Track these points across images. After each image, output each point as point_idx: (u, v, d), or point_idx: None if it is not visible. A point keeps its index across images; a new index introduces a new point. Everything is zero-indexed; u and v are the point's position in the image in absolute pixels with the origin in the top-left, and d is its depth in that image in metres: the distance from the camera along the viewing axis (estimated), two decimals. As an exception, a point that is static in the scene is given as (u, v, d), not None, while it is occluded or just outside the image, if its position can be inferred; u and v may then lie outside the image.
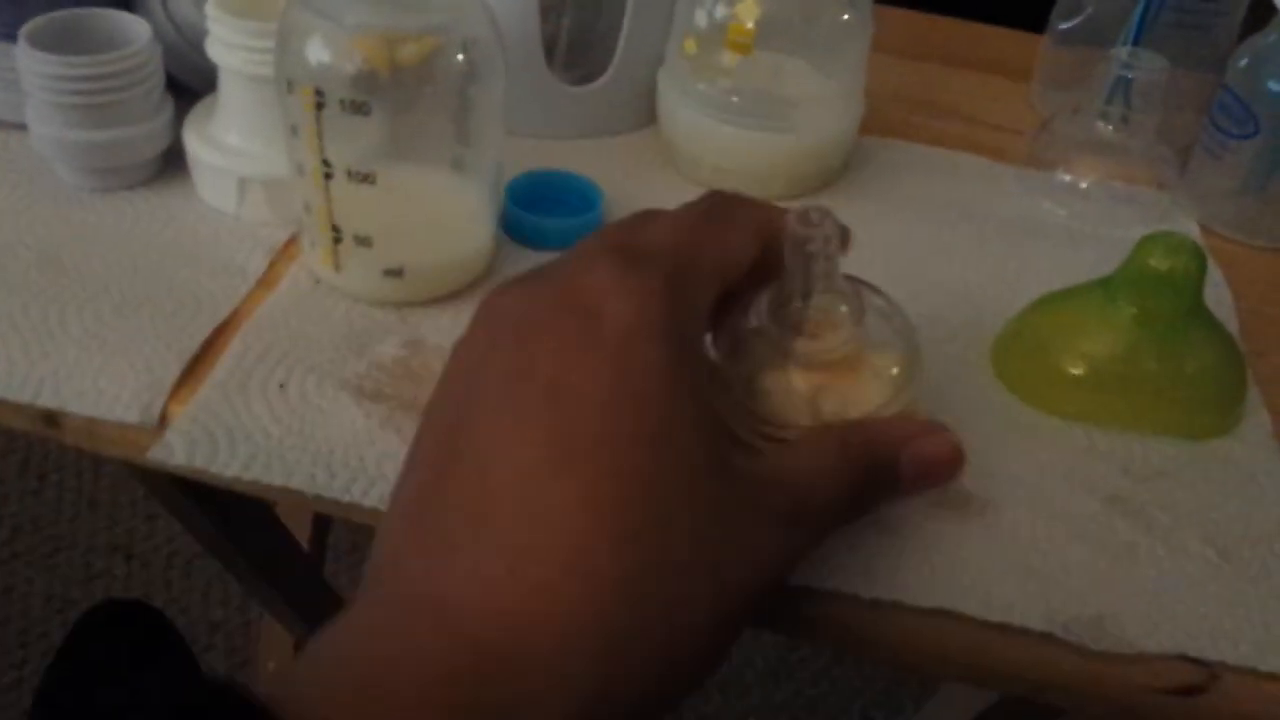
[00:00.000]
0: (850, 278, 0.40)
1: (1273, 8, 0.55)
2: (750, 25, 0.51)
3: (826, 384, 0.38)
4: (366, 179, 0.43)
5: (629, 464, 0.29)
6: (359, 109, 0.41)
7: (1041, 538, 0.39)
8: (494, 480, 0.29)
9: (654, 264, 0.33)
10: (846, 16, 0.53)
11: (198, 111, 0.52)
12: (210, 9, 0.47)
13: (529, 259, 0.50)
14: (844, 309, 0.38)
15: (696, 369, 0.32)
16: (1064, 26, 0.65)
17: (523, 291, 0.33)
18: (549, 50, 0.57)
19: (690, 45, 0.54)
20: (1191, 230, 0.58)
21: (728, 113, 0.53)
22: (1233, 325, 0.51)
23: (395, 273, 0.45)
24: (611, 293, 0.31)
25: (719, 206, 0.36)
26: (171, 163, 0.52)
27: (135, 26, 0.50)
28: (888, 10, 0.72)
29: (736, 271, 0.36)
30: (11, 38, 0.50)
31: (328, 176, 0.44)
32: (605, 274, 0.32)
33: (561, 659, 0.27)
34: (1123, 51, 0.57)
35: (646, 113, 0.59)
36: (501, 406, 0.30)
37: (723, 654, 0.31)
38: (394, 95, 0.43)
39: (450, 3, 0.42)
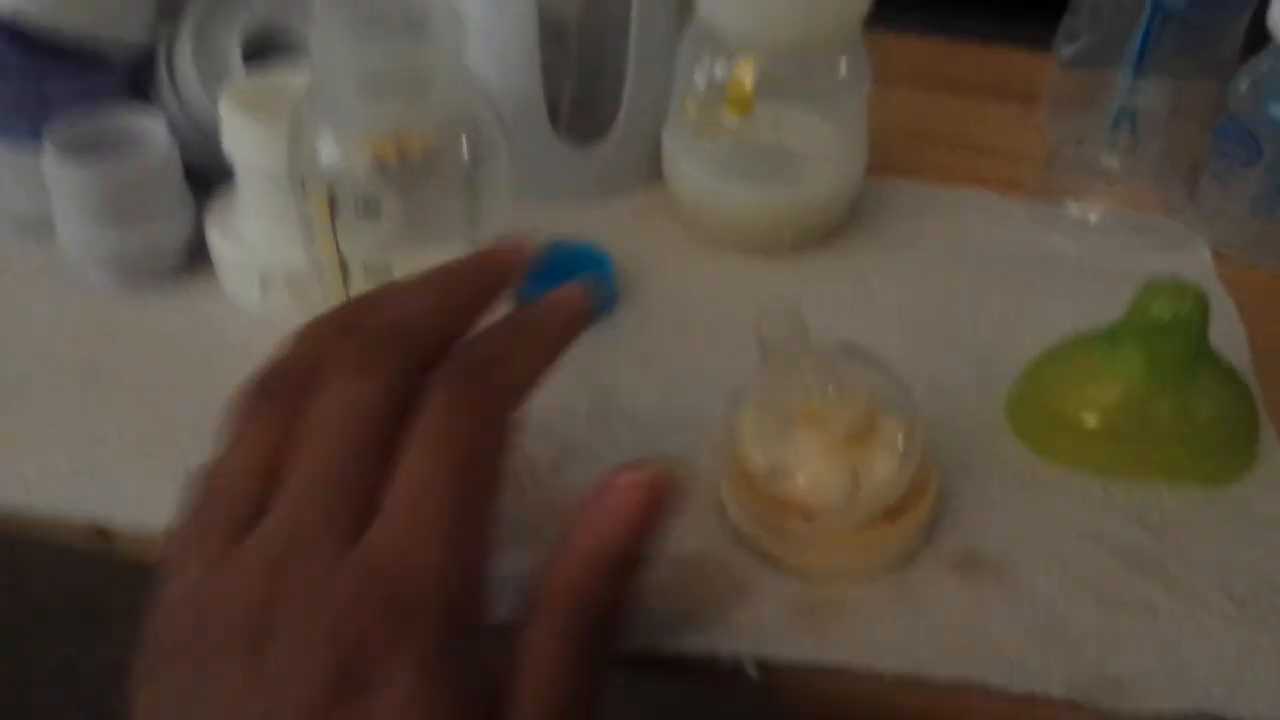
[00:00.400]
0: (846, 344, 0.41)
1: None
2: (749, 86, 0.52)
3: (838, 463, 0.39)
4: (383, 270, 0.45)
5: None
6: (370, 207, 0.43)
7: (1059, 598, 0.40)
8: None
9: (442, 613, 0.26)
10: (843, 69, 0.54)
11: (218, 203, 0.53)
12: (223, 107, 0.49)
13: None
14: (834, 388, 0.39)
15: None
16: (1067, 51, 0.65)
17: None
18: (553, 113, 0.58)
19: (691, 106, 0.55)
20: (1203, 256, 0.58)
21: (731, 170, 0.54)
22: (1245, 355, 0.51)
23: (415, 359, 0.46)
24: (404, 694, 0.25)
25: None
26: (198, 254, 0.54)
27: (152, 125, 0.52)
28: (887, 38, 0.72)
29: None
30: (35, 141, 0.52)
31: (345, 272, 0.45)
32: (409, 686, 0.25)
33: None
34: (1125, 81, 0.57)
35: (652, 169, 0.60)
36: None
37: None
38: (403, 186, 0.44)
39: (453, 96, 0.43)
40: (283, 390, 0.29)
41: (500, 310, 0.34)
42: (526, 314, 0.34)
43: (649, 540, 0.30)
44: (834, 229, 0.58)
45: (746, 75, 0.52)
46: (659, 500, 0.30)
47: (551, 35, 0.57)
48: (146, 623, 0.27)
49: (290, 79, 0.52)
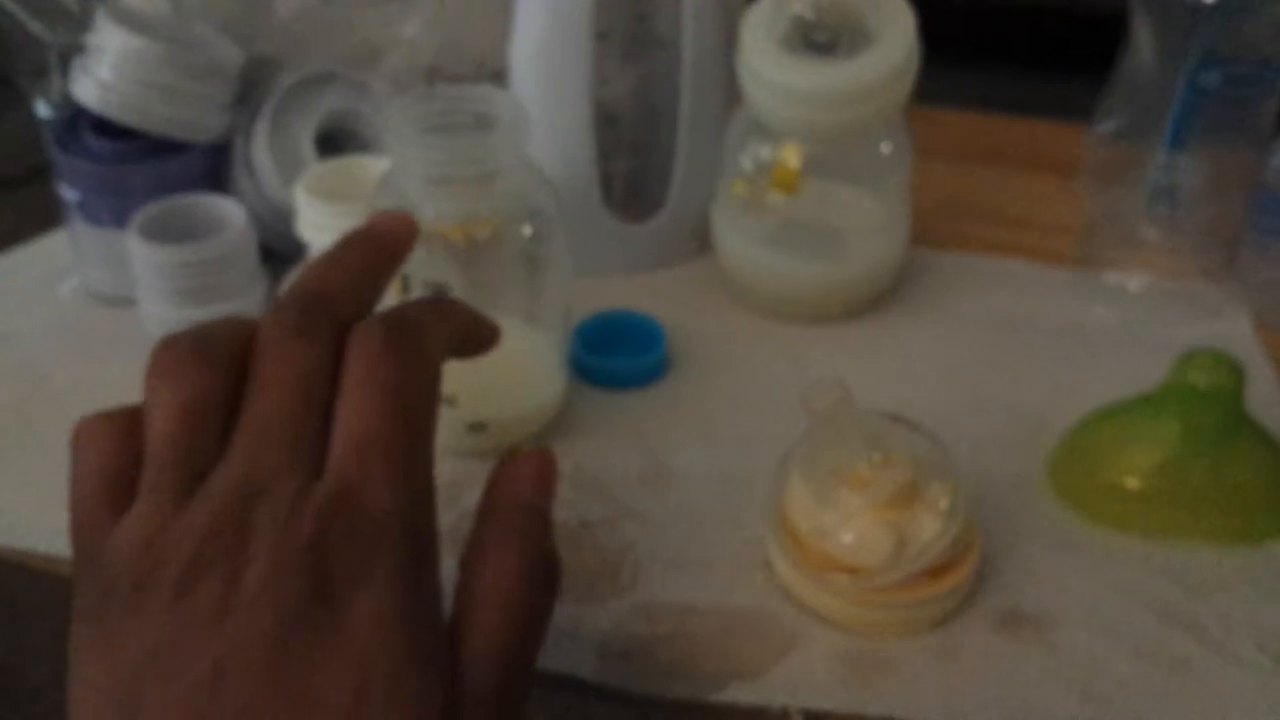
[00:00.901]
0: (891, 414, 0.43)
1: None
2: (794, 166, 0.54)
3: (883, 524, 0.40)
4: (448, 344, 0.47)
5: None
6: (439, 290, 0.45)
7: (1099, 656, 0.41)
8: None
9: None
10: (886, 148, 0.56)
11: (290, 281, 0.56)
12: (299, 193, 0.52)
13: (599, 398, 0.53)
14: (879, 454, 0.41)
15: None
16: (1104, 126, 0.67)
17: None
18: (607, 191, 0.61)
19: (739, 187, 0.57)
20: (1243, 324, 0.59)
21: (779, 247, 0.56)
22: (1284, 422, 0.52)
23: (479, 427, 0.49)
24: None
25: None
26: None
27: (231, 209, 0.55)
28: (929, 112, 0.75)
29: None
30: (118, 224, 0.55)
31: (412, 346, 0.48)
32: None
33: None
34: (1161, 158, 0.59)
35: (702, 243, 0.62)
36: None
37: None
38: (469, 266, 0.47)
39: (516, 186, 0.46)
40: (217, 352, 0.31)
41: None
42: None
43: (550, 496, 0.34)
44: (878, 300, 0.60)
45: (792, 158, 0.55)
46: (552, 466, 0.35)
47: (605, 120, 0.60)
48: (87, 569, 0.28)
49: (360, 166, 0.55)
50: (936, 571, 0.41)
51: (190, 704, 0.25)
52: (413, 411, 0.30)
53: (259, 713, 0.25)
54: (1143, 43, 0.64)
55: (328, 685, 0.26)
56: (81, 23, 0.57)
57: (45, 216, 0.63)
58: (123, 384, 0.54)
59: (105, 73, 0.55)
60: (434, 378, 0.32)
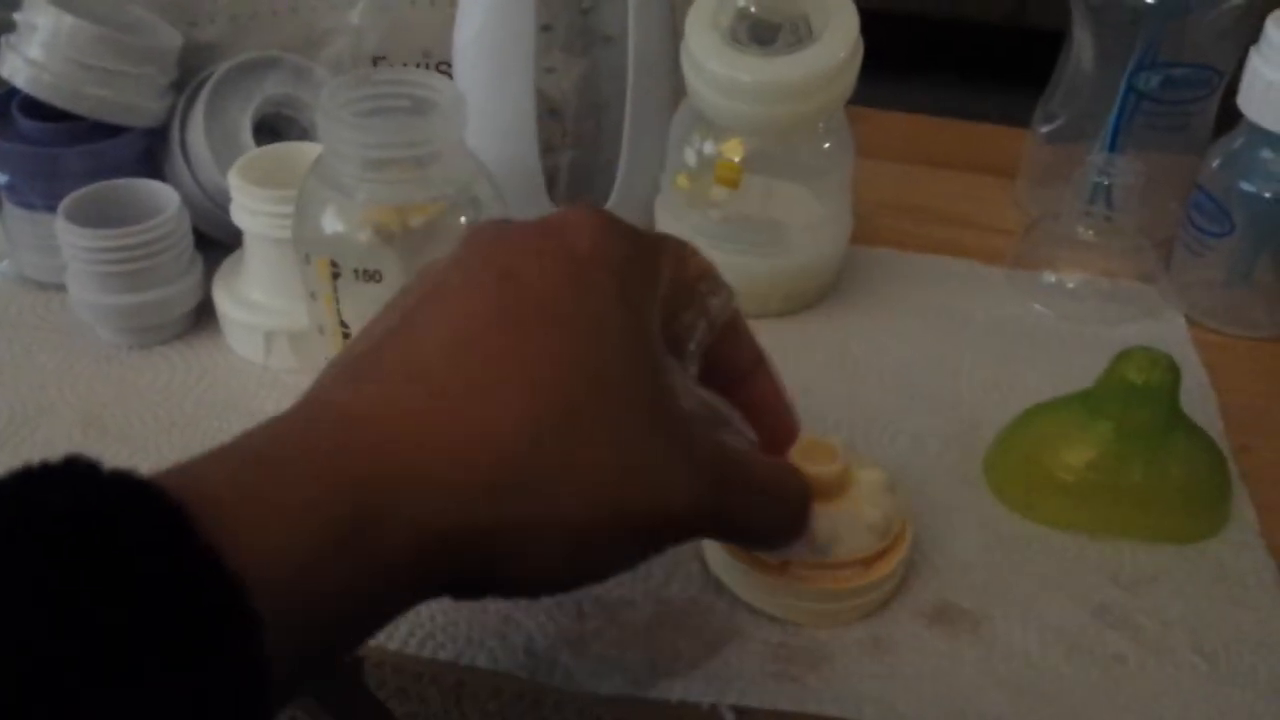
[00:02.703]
0: None
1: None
2: (737, 161, 0.54)
3: (818, 510, 0.40)
4: (382, 333, 0.47)
5: (561, 350, 0.31)
6: (372, 277, 0.44)
7: (1033, 651, 0.41)
8: (431, 335, 0.31)
9: (634, 235, 0.35)
10: (828, 145, 0.56)
11: (225, 268, 0.55)
12: (233, 178, 0.51)
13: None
14: (809, 442, 0.41)
15: (648, 332, 0.34)
16: (1044, 128, 0.68)
17: (508, 221, 0.35)
18: (550, 183, 0.60)
19: (682, 180, 0.57)
20: (1177, 323, 0.60)
21: (721, 240, 0.56)
22: (1216, 420, 0.53)
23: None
24: (589, 230, 0.34)
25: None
26: (204, 314, 0.56)
27: (164, 194, 0.54)
28: (873, 114, 0.75)
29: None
30: (50, 208, 0.54)
31: (346, 336, 0.47)
32: (589, 218, 0.34)
33: (449, 479, 0.29)
34: (1099, 158, 0.59)
35: (647, 237, 0.62)
36: (458, 286, 0.32)
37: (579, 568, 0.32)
38: (404, 256, 0.46)
39: (453, 172, 0.46)
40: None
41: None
42: None
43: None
44: (819, 295, 0.60)
45: (734, 153, 0.55)
46: None
47: (550, 112, 0.60)
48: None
49: (297, 152, 0.54)
50: (868, 560, 0.41)
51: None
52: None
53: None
54: (1083, 45, 0.64)
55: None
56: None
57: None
58: (51, 370, 0.54)
59: (35, 51, 0.54)
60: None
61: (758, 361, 0.40)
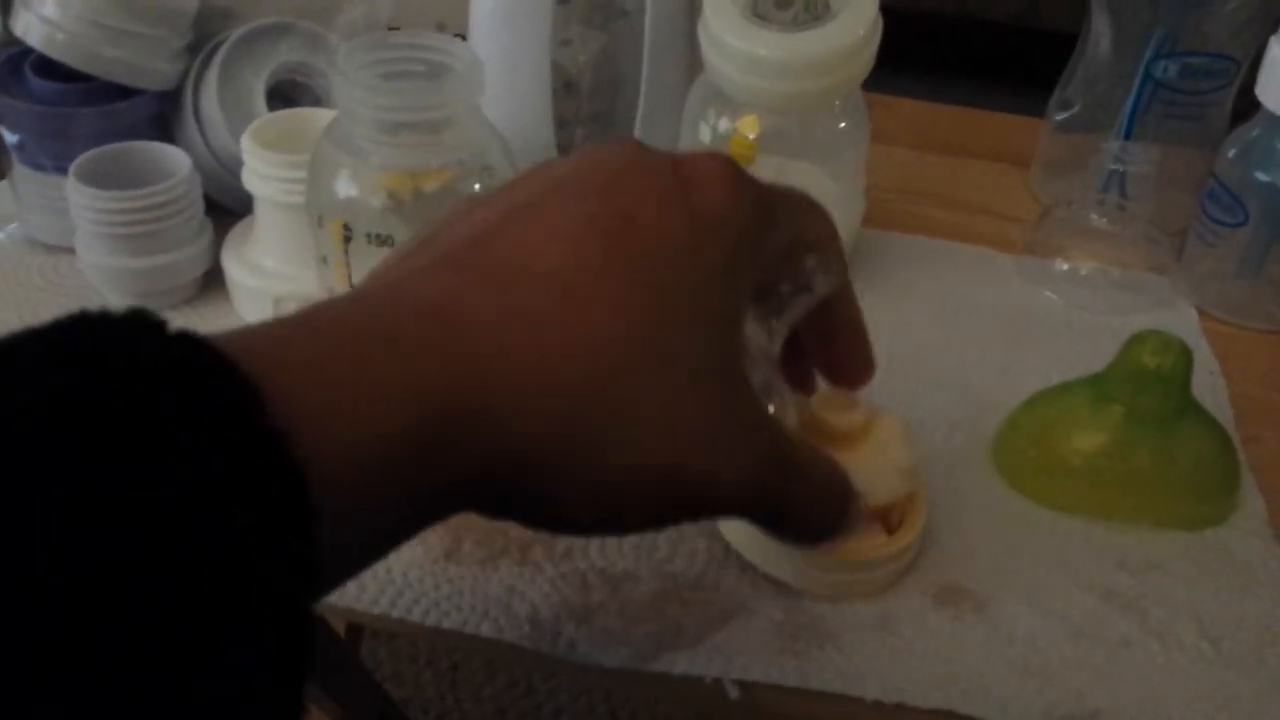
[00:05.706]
0: None
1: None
2: (752, 138, 0.54)
3: (847, 460, 0.40)
4: (393, 299, 0.46)
5: (662, 282, 0.30)
6: (384, 241, 0.44)
7: (1039, 634, 0.41)
8: (526, 238, 0.30)
9: (757, 197, 0.33)
10: (843, 124, 0.56)
11: (235, 234, 0.55)
12: (245, 142, 0.51)
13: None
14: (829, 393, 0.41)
15: (740, 308, 0.33)
16: (1060, 116, 0.67)
17: (632, 142, 0.33)
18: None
19: (697, 156, 0.57)
20: (1189, 314, 0.60)
21: (734, 218, 0.55)
22: (1226, 410, 0.53)
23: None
24: (719, 189, 0.32)
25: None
26: (213, 280, 0.56)
27: (176, 157, 0.54)
28: (889, 100, 0.75)
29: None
30: (60, 169, 0.54)
31: (356, 300, 0.46)
32: (720, 174, 0.32)
33: (537, 391, 0.28)
34: (1115, 146, 0.59)
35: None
36: (574, 214, 0.30)
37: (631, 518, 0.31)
38: (416, 222, 0.46)
39: (467, 139, 0.45)
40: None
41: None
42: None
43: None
44: (831, 278, 0.59)
45: (750, 130, 0.54)
46: None
47: (565, 87, 0.59)
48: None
49: (311, 117, 0.54)
50: (889, 526, 0.41)
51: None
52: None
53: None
54: (1101, 33, 0.64)
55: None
56: (25, -43, 0.55)
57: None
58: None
59: (50, 9, 0.53)
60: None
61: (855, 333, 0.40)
